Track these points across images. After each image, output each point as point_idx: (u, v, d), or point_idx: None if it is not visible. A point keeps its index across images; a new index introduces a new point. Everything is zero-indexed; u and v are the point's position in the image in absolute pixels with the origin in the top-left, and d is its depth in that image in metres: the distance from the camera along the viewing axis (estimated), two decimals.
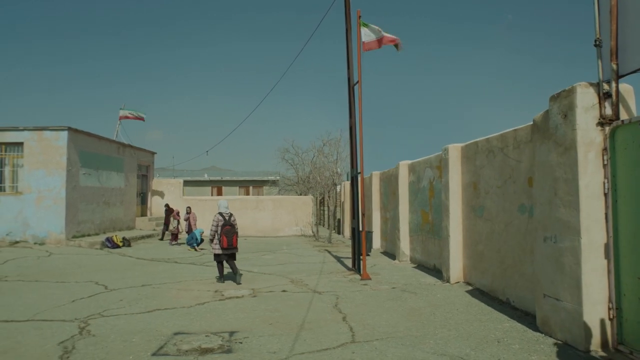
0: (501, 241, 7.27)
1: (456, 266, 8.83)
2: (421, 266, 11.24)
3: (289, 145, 33.48)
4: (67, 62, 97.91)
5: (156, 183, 23.83)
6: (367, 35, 9.80)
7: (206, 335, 5.81)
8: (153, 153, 24.13)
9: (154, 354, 5.14)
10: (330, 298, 7.92)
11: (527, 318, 6.28)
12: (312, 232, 22.54)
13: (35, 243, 15.89)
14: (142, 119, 25.12)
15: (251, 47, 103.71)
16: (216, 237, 9.30)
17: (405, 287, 8.82)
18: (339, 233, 23.74)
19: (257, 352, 5.18)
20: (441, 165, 9.82)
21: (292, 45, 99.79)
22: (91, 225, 17.82)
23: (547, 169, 5.51)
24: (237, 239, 9.45)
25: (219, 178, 39.09)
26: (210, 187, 38.50)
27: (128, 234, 18.56)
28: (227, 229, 9.23)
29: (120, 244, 16.71)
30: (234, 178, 39.25)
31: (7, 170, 16.44)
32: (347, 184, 21.76)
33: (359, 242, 10.46)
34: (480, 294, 7.86)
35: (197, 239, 16.18)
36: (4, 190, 16.42)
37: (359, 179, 10.54)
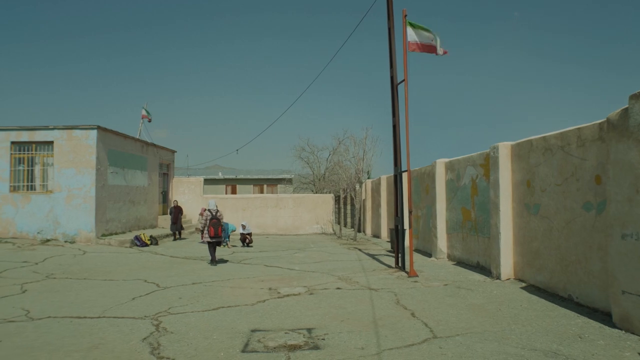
0: (561, 238, 7.34)
1: (507, 263, 8.91)
2: (461, 263, 11.31)
3: (304, 143, 33.50)
4: (71, 62, 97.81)
5: (176, 182, 23.91)
6: (411, 35, 9.85)
7: (285, 333, 5.89)
8: (173, 152, 24.22)
9: (243, 351, 5.22)
10: (388, 295, 8.00)
11: (597, 314, 6.35)
12: (333, 230, 22.65)
13: (65, 241, 15.99)
14: (148, 119, 25.77)
15: (252, 46, 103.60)
16: (206, 228, 11.85)
17: (457, 284, 8.90)
18: (358, 231, 23.81)
19: (345, 348, 5.26)
20: (488, 163, 9.89)
21: (296, 45, 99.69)
22: (118, 223, 17.91)
23: (625, 166, 5.57)
24: (221, 230, 11.83)
25: (233, 176, 39.20)
26: (224, 186, 38.61)
27: (152, 233, 18.65)
28: (214, 222, 11.75)
29: (148, 242, 16.82)
30: (248, 176, 39.36)
31: (37, 169, 16.54)
32: (369, 182, 21.84)
33: (402, 239, 10.53)
34: (536, 290, 7.94)
35: (227, 232, 16.33)
36: (35, 189, 16.52)
37: (403, 177, 10.59)
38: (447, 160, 12.33)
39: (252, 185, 38.85)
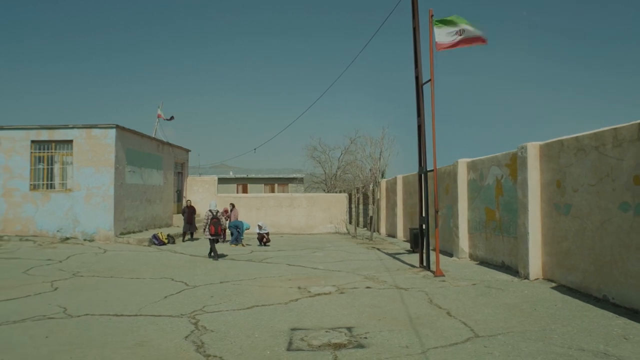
0: (595, 239, 7.33)
1: (535, 263, 8.90)
2: (485, 263, 11.30)
3: (316, 143, 33.53)
4: (70, 62, 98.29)
5: (190, 181, 24.01)
6: (439, 35, 9.83)
7: (326, 331, 5.92)
8: (188, 150, 24.32)
9: (288, 350, 5.25)
10: (420, 294, 8.02)
11: (637, 316, 6.34)
12: (347, 229, 22.67)
13: (84, 240, 16.11)
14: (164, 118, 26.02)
15: (252, 46, 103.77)
16: (206, 227, 13.18)
17: (485, 283, 8.90)
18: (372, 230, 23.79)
19: (390, 347, 5.28)
20: (514, 163, 9.88)
21: (296, 45, 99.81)
22: (135, 222, 18.02)
23: None
24: (221, 229, 13.42)
25: (244, 176, 39.33)
26: (235, 185, 38.73)
27: (168, 231, 18.70)
28: (214, 221, 13.14)
29: (166, 241, 16.90)
30: (259, 176, 39.45)
31: (56, 168, 16.67)
32: (384, 182, 21.84)
33: (428, 239, 10.54)
34: (568, 290, 7.93)
35: (241, 230, 16.37)
36: (54, 188, 16.64)
37: (428, 176, 10.59)
38: (469, 160, 12.33)
39: (263, 185, 38.95)
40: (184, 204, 22.93)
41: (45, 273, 10.48)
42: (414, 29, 10.65)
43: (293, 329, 6.03)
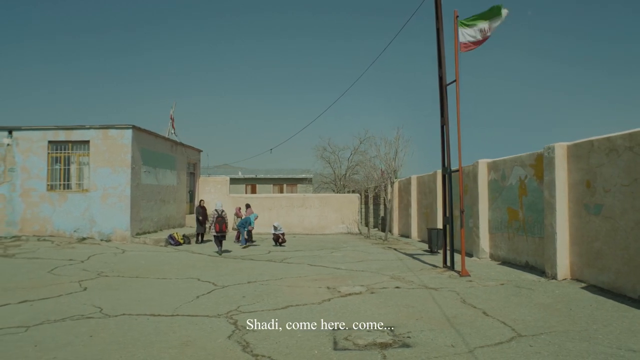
0: (630, 239, 7.34)
1: (563, 263, 8.91)
2: (507, 263, 11.31)
3: (325, 143, 33.55)
4: (71, 61, 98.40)
5: (202, 181, 24.05)
6: (464, 35, 9.85)
7: (367, 331, 5.95)
8: (199, 151, 24.36)
9: (335, 349, 5.27)
10: (450, 294, 8.03)
11: None
12: (359, 229, 22.69)
13: (101, 240, 16.16)
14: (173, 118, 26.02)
15: (253, 46, 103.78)
16: (212, 225, 14.57)
17: (513, 283, 8.92)
18: (383, 230, 23.82)
19: (435, 346, 5.31)
20: (539, 163, 9.90)
21: (297, 45, 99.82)
22: (150, 222, 18.06)
23: None
24: (225, 227, 14.62)
25: (253, 176, 39.38)
26: (244, 185, 38.81)
27: (181, 232, 18.73)
28: (219, 220, 14.45)
29: (182, 241, 16.95)
30: (268, 176, 39.50)
31: (73, 168, 16.72)
32: (396, 182, 21.85)
33: (452, 239, 10.56)
34: (599, 291, 7.93)
35: (250, 222, 16.37)
36: (70, 188, 16.70)
37: (452, 177, 10.61)
38: (489, 160, 12.34)
39: (271, 185, 39.01)
40: (196, 203, 22.97)
41: (70, 273, 10.52)
42: (438, 30, 10.67)
43: (334, 329, 6.06)
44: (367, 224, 27.30)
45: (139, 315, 6.84)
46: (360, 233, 22.09)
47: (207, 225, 17.20)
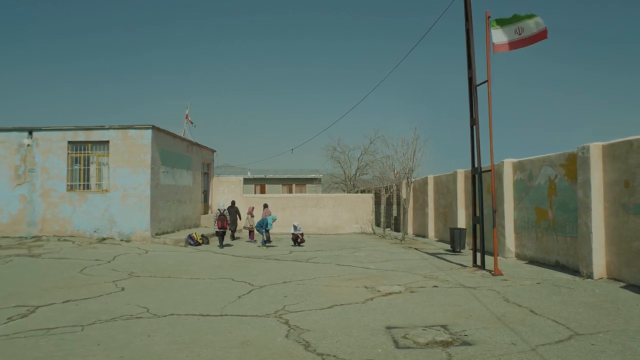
0: None
1: (599, 263, 8.96)
2: (535, 262, 11.35)
3: (335, 143, 33.59)
4: (71, 61, 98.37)
5: (216, 181, 24.08)
6: (497, 37, 9.87)
7: (423, 329, 5.97)
8: (213, 151, 24.39)
9: (397, 347, 5.31)
10: (491, 293, 8.07)
11: None
12: (372, 229, 22.73)
13: (121, 240, 16.18)
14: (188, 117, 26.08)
15: (253, 46, 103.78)
16: (215, 222, 16.12)
17: (549, 282, 8.95)
18: (395, 230, 23.87)
19: (495, 344, 5.34)
20: (570, 163, 9.94)
21: (298, 45, 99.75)
22: (169, 222, 18.09)
23: None
24: (227, 224, 16.48)
25: (262, 176, 39.42)
26: (253, 185, 38.84)
27: (197, 232, 18.76)
28: (222, 217, 16.05)
29: (201, 241, 16.96)
30: (277, 176, 39.54)
31: (92, 169, 16.74)
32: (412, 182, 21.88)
33: (482, 239, 10.60)
34: None
35: (267, 224, 16.25)
36: (90, 188, 16.71)
37: (484, 176, 10.64)
38: (515, 160, 12.38)
39: (280, 185, 39.05)
40: (212, 204, 23.00)
41: (101, 273, 10.54)
42: (467, 31, 10.70)
43: (388, 328, 6.09)
44: (378, 224, 27.34)
45: (188, 315, 6.86)
46: (374, 233, 22.12)
47: (213, 222, 17.20)
